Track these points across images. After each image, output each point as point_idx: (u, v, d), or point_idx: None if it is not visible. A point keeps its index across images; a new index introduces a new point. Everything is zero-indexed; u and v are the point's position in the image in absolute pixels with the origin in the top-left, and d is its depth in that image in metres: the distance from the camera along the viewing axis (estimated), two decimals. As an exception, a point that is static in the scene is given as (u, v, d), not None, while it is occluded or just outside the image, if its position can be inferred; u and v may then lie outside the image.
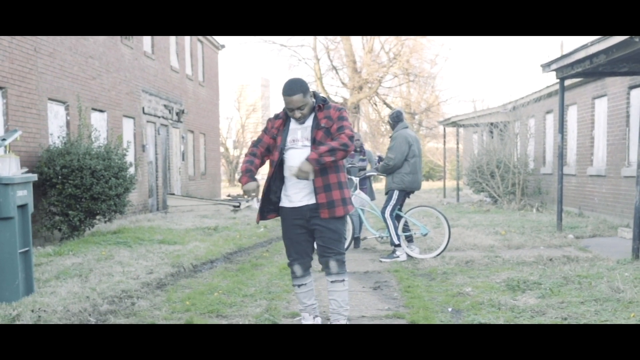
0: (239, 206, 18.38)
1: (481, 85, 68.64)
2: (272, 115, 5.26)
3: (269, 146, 5.15)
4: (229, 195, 23.48)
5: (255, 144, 5.23)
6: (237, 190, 36.48)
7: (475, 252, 9.87)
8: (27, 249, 6.77)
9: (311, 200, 5.01)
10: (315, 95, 5.04)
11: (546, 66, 11.14)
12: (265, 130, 5.19)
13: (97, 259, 9.03)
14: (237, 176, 50.23)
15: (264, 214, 5.22)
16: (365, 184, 11.03)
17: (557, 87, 16.16)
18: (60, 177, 11.08)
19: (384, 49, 40.78)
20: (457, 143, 23.91)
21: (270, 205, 5.17)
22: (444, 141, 24.97)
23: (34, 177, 7.05)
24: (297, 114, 4.90)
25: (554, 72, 11.39)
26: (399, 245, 9.32)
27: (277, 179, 5.08)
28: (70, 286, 7.25)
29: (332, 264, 4.99)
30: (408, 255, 9.45)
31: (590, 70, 10.30)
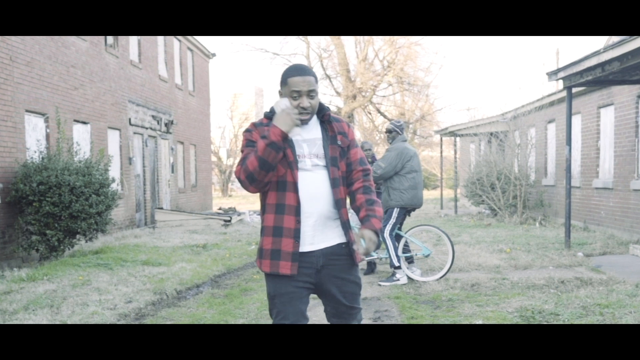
0: (229, 220, 17.68)
1: (476, 93, 68.10)
2: (249, 126, 3.61)
3: None
4: (220, 209, 22.78)
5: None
6: (230, 202, 35.78)
7: (480, 274, 9.22)
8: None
9: (333, 240, 3.54)
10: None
11: (553, 74, 10.52)
12: (251, 144, 3.50)
13: (73, 285, 8.33)
14: (230, 186, 49.54)
15: (277, 260, 3.49)
16: (379, 198, 9.96)
17: (560, 95, 15.60)
18: (37, 194, 10.39)
19: (377, 57, 40.19)
20: (455, 153, 23.27)
21: (288, 249, 3.48)
22: (441, 151, 24.35)
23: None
24: (306, 102, 3.42)
25: (561, 81, 10.77)
26: (399, 268, 8.65)
27: (296, 210, 3.47)
28: (39, 319, 6.57)
29: (356, 323, 3.74)
30: (409, 278, 8.79)
31: (601, 79, 9.68)
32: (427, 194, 38.09)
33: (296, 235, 3.45)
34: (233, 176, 52.11)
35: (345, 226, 3.55)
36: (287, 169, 3.48)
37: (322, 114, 3.61)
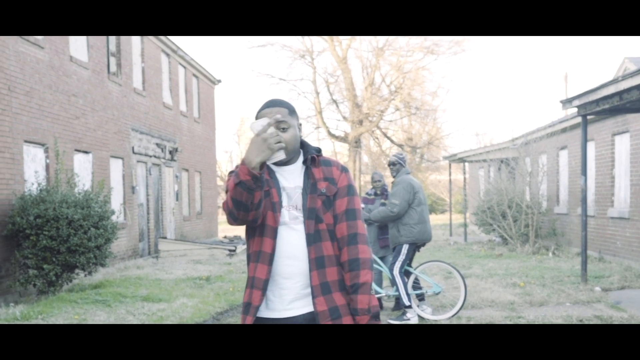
0: (234, 250, 17.31)
1: (484, 118, 67.90)
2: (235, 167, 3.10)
3: None
4: (225, 237, 22.42)
5: None
6: (236, 227, 35.42)
7: (494, 311, 8.81)
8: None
9: (306, 307, 3.06)
10: (304, 143, 3.18)
11: (567, 102, 10.18)
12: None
13: (68, 326, 7.95)
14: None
15: (246, 315, 3.07)
16: (386, 233, 9.24)
17: (572, 122, 15.28)
18: (34, 227, 10.06)
19: (384, 82, 39.97)
20: (465, 180, 22.89)
21: (256, 303, 3.05)
22: (450, 177, 23.98)
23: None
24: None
25: (575, 109, 10.43)
26: (409, 307, 8.25)
27: (270, 258, 3.04)
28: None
29: None
30: (419, 317, 8.39)
31: (619, 107, 9.33)
32: (435, 219, 37.65)
33: (264, 287, 3.00)
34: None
35: (334, 288, 3.02)
36: (268, 210, 3.01)
37: (305, 157, 3.12)
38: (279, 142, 2.76)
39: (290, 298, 3.03)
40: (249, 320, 3.00)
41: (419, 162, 42.83)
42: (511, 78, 77.06)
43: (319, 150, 3.18)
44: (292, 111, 3.10)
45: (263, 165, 2.79)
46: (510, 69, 78.37)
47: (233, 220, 2.95)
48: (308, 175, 3.08)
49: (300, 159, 3.14)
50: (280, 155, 2.79)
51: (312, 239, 3.02)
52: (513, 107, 71.22)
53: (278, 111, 3.03)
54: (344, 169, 3.16)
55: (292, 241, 3.02)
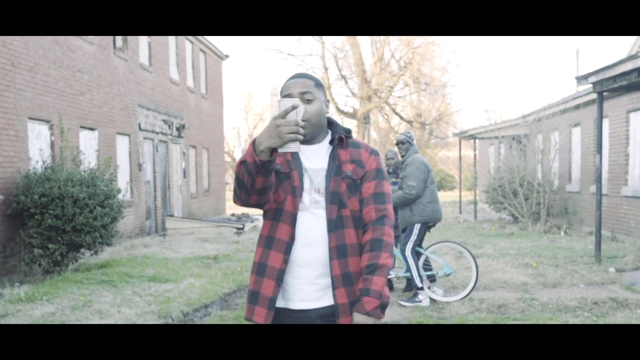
0: (242, 228, 17.17)
1: (494, 94, 67.31)
2: None
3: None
4: (233, 215, 22.26)
5: None
6: (243, 208, 35.27)
7: (507, 293, 8.64)
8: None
9: (324, 299, 2.82)
10: (332, 122, 2.96)
11: (582, 79, 9.90)
12: None
13: (73, 307, 7.81)
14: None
15: (253, 305, 2.85)
16: (396, 213, 8.63)
17: (586, 98, 14.99)
18: (39, 206, 9.91)
19: (394, 57, 39.56)
20: (475, 158, 22.62)
21: (267, 293, 2.83)
22: (460, 154, 23.70)
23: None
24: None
25: (591, 85, 10.15)
26: (421, 289, 8.07)
27: (286, 247, 2.80)
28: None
29: None
30: (431, 299, 8.22)
31: (637, 84, 9.05)
32: (444, 196, 37.47)
33: (279, 277, 2.77)
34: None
35: (357, 279, 2.79)
36: (287, 194, 2.80)
37: (333, 137, 2.90)
38: (294, 132, 2.48)
39: (304, 288, 2.81)
40: (261, 313, 2.79)
41: (428, 139, 42.53)
42: (521, 53, 76.26)
43: (348, 131, 2.93)
44: (318, 84, 2.88)
45: (273, 152, 2.54)
46: (521, 44, 77.54)
47: (237, 198, 2.74)
48: (334, 156, 2.85)
49: (327, 138, 2.92)
50: (294, 147, 2.51)
51: (334, 226, 2.79)
52: (523, 83, 70.59)
53: (303, 82, 2.83)
54: (373, 152, 2.93)
55: (310, 227, 2.79)
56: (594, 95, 14.13)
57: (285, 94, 2.81)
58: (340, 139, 2.89)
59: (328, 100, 2.93)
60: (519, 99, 59.62)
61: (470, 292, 8.25)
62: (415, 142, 8.60)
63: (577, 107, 16.14)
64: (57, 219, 9.93)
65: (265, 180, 2.61)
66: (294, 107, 2.53)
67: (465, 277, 9.44)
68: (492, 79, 70.11)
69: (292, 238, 2.78)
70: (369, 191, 2.85)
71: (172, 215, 18.07)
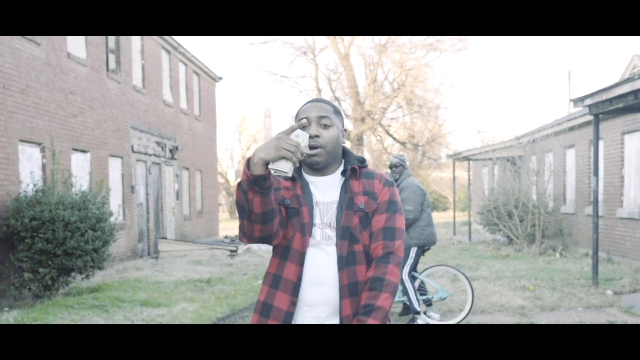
0: (236, 250, 17.01)
1: (487, 115, 67.55)
2: None
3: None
4: (226, 237, 22.11)
5: None
6: (237, 225, 35.12)
7: (504, 316, 8.53)
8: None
9: (329, 319, 2.67)
10: (347, 152, 2.81)
11: (579, 101, 9.87)
12: None
13: (63, 333, 7.65)
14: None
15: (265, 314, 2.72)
16: None
17: (580, 120, 15.01)
18: (29, 230, 9.77)
19: (387, 79, 39.63)
20: (469, 179, 22.58)
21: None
22: (454, 175, 23.67)
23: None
24: (315, 129, 2.65)
25: (586, 107, 10.12)
26: (419, 313, 7.96)
27: (294, 288, 2.65)
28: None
29: None
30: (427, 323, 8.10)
31: (634, 106, 9.02)
32: (438, 217, 37.39)
33: (286, 319, 2.62)
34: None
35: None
36: (296, 231, 2.65)
37: (346, 167, 2.73)
38: (291, 151, 2.37)
39: (319, 311, 2.65)
40: None
41: (421, 160, 42.55)
42: (513, 75, 76.68)
43: (362, 161, 2.76)
44: (337, 112, 2.75)
45: (265, 168, 2.40)
46: (513, 66, 78.03)
47: (242, 233, 2.60)
48: (346, 188, 2.69)
49: (340, 169, 2.76)
50: (285, 167, 2.39)
51: (345, 262, 2.62)
52: (515, 104, 70.89)
53: (321, 107, 2.70)
54: (387, 183, 2.75)
55: (321, 264, 2.63)
56: (589, 117, 14.14)
57: (302, 117, 2.67)
58: (354, 169, 2.73)
59: (345, 130, 2.79)
60: (512, 120, 59.87)
61: (466, 316, 8.14)
62: (408, 164, 8.55)
63: (572, 128, 16.14)
64: (47, 243, 9.79)
65: (263, 202, 2.45)
66: (302, 126, 2.46)
67: (461, 300, 9.33)
68: (485, 101, 70.40)
69: (299, 278, 2.63)
70: (379, 225, 2.67)
71: (165, 238, 17.91)
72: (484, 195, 19.70)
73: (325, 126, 2.66)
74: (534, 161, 17.35)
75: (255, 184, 2.40)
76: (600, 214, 14.41)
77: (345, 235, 2.63)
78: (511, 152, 19.33)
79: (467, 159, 21.77)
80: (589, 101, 9.58)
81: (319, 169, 2.71)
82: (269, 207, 2.48)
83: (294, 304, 2.63)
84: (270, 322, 2.65)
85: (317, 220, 2.67)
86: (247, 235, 2.59)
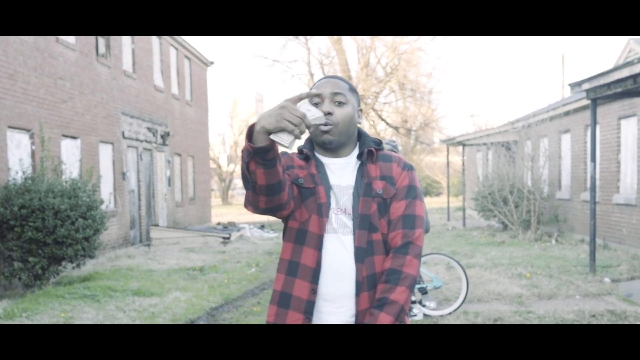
0: (229, 238, 16.87)
1: (480, 99, 67.46)
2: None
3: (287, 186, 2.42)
4: (219, 224, 21.94)
5: None
6: (230, 211, 34.99)
7: (502, 305, 8.42)
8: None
9: (348, 314, 2.47)
10: (362, 134, 2.61)
11: (576, 85, 9.72)
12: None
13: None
14: (230, 193, 48.74)
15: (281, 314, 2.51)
16: None
17: (575, 105, 14.89)
18: (18, 218, 9.59)
19: (380, 63, 39.40)
20: (463, 164, 22.46)
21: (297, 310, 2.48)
22: (447, 161, 23.54)
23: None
24: (328, 106, 2.46)
25: (579, 91, 9.98)
26: (414, 302, 7.84)
27: (313, 275, 2.45)
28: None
29: None
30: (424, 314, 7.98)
31: (632, 90, 8.88)
32: (431, 202, 37.36)
33: (308, 309, 2.42)
34: (233, 183, 51.46)
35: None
36: (312, 213, 2.45)
37: (362, 150, 2.53)
38: (294, 123, 2.16)
39: (336, 305, 2.45)
40: None
41: (414, 145, 42.41)
42: (506, 59, 76.51)
43: (378, 143, 2.57)
44: (352, 89, 2.57)
45: (267, 138, 2.19)
46: (506, 49, 77.80)
47: (247, 202, 2.41)
48: (362, 172, 2.49)
49: (355, 152, 2.57)
50: (286, 140, 2.18)
51: (364, 253, 2.43)
52: (508, 89, 70.77)
53: (336, 83, 2.52)
54: (406, 166, 2.55)
55: (338, 255, 2.43)
56: (584, 102, 14.00)
57: (315, 94, 2.46)
58: (370, 152, 2.54)
59: (361, 110, 2.60)
60: (505, 104, 59.78)
61: (460, 305, 8.04)
62: (400, 149, 8.39)
63: (567, 113, 16.01)
64: (37, 232, 9.61)
65: (267, 174, 2.25)
66: (313, 97, 2.33)
67: (457, 288, 9.20)
68: (478, 85, 70.27)
69: (318, 264, 2.44)
70: (398, 212, 2.47)
71: (157, 225, 17.74)
72: (479, 181, 19.58)
73: (340, 103, 2.49)
74: (529, 146, 17.22)
75: (256, 155, 2.21)
76: (596, 200, 14.31)
77: (364, 224, 2.44)
78: (506, 137, 19.20)
79: (461, 144, 21.64)
80: (586, 85, 9.43)
81: (332, 150, 2.53)
82: (274, 180, 2.29)
83: (314, 291, 2.44)
84: (290, 313, 2.46)
85: (332, 204, 2.48)
86: (252, 204, 2.41)
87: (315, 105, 2.48)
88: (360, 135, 2.60)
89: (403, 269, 2.40)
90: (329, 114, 2.45)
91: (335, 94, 2.48)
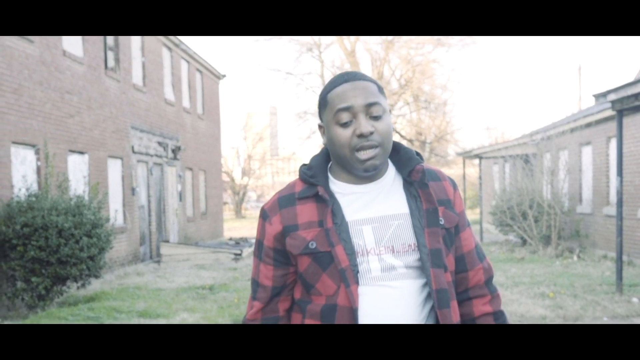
0: (240, 254, 16.49)
1: (495, 112, 66.92)
2: (264, 206, 2.01)
3: (290, 282, 1.99)
4: (231, 239, 21.59)
5: (263, 298, 2.00)
6: (242, 225, 34.65)
7: (525, 328, 7.97)
8: None
9: None
10: (396, 145, 2.03)
11: (601, 96, 9.30)
12: (262, 255, 1.99)
13: (53, 351, 7.14)
14: (244, 206, 48.44)
15: None
16: None
17: (598, 117, 14.49)
18: (21, 237, 9.27)
19: (394, 75, 39.09)
20: (480, 178, 22.00)
21: None
22: (464, 174, 23.10)
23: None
24: (366, 125, 1.86)
25: (610, 104, 9.55)
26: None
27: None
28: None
29: None
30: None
31: (662, 101, 8.45)
32: (447, 216, 36.72)
33: None
34: (247, 196, 51.20)
35: None
36: (338, 283, 1.86)
37: (410, 167, 1.95)
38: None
39: None
40: None
41: (429, 157, 41.98)
42: (522, 71, 75.98)
43: (420, 157, 2.00)
44: (381, 89, 1.96)
45: None
46: (521, 61, 77.31)
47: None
48: (414, 194, 1.92)
49: (390, 170, 1.99)
50: None
51: (445, 302, 1.88)
52: (524, 100, 70.20)
53: (366, 88, 1.90)
54: (453, 183, 2.04)
55: (393, 311, 1.85)
56: (606, 114, 13.56)
57: (341, 107, 1.87)
58: (421, 169, 1.94)
59: (390, 110, 1.99)
60: (520, 117, 59.20)
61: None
62: None
63: (588, 125, 15.53)
64: (40, 251, 9.28)
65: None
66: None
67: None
68: (493, 97, 69.80)
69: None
70: (471, 245, 2.02)
71: (167, 241, 17.40)
72: (496, 195, 19.11)
73: (377, 117, 1.88)
74: (548, 159, 16.75)
75: None
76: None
77: (438, 261, 1.88)
78: (524, 149, 18.75)
79: (478, 156, 21.20)
80: (612, 96, 9.00)
81: (367, 178, 1.94)
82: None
83: None
84: None
85: (368, 242, 1.88)
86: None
87: (344, 125, 1.88)
88: (394, 147, 2.01)
89: (502, 309, 2.04)
90: (370, 133, 1.85)
91: (370, 105, 1.88)
